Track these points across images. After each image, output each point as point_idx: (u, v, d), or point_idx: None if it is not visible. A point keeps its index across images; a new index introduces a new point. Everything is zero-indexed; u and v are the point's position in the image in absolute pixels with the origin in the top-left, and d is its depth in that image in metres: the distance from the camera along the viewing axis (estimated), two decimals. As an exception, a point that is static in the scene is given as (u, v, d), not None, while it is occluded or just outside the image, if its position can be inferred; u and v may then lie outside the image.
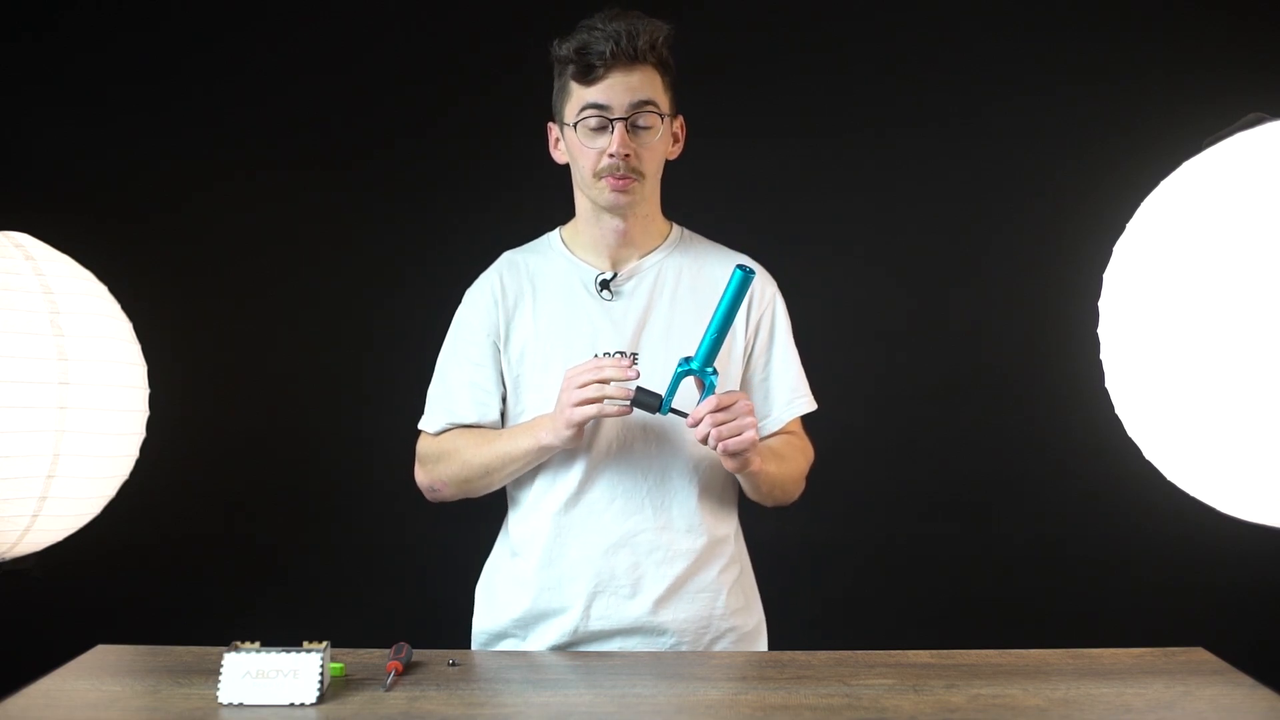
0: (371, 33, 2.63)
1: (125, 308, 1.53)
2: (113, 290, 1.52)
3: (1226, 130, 1.22)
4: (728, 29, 2.59)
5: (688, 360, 1.54)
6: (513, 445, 1.64)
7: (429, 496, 1.75)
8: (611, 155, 1.60)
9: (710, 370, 1.54)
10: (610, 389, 1.54)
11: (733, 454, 1.54)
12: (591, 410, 1.54)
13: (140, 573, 2.46)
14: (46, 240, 1.48)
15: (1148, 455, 1.26)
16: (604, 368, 1.54)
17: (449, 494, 1.72)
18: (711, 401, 1.52)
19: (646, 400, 1.55)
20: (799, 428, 1.78)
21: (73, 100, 2.54)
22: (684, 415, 1.55)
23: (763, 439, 1.71)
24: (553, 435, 1.58)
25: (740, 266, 1.51)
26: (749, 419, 1.54)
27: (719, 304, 1.52)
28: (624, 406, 1.55)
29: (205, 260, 2.60)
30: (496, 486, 1.71)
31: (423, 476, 1.74)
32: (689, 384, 1.56)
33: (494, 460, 1.65)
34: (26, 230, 1.48)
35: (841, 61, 2.63)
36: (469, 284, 1.78)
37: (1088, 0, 2.59)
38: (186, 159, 2.57)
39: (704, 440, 1.53)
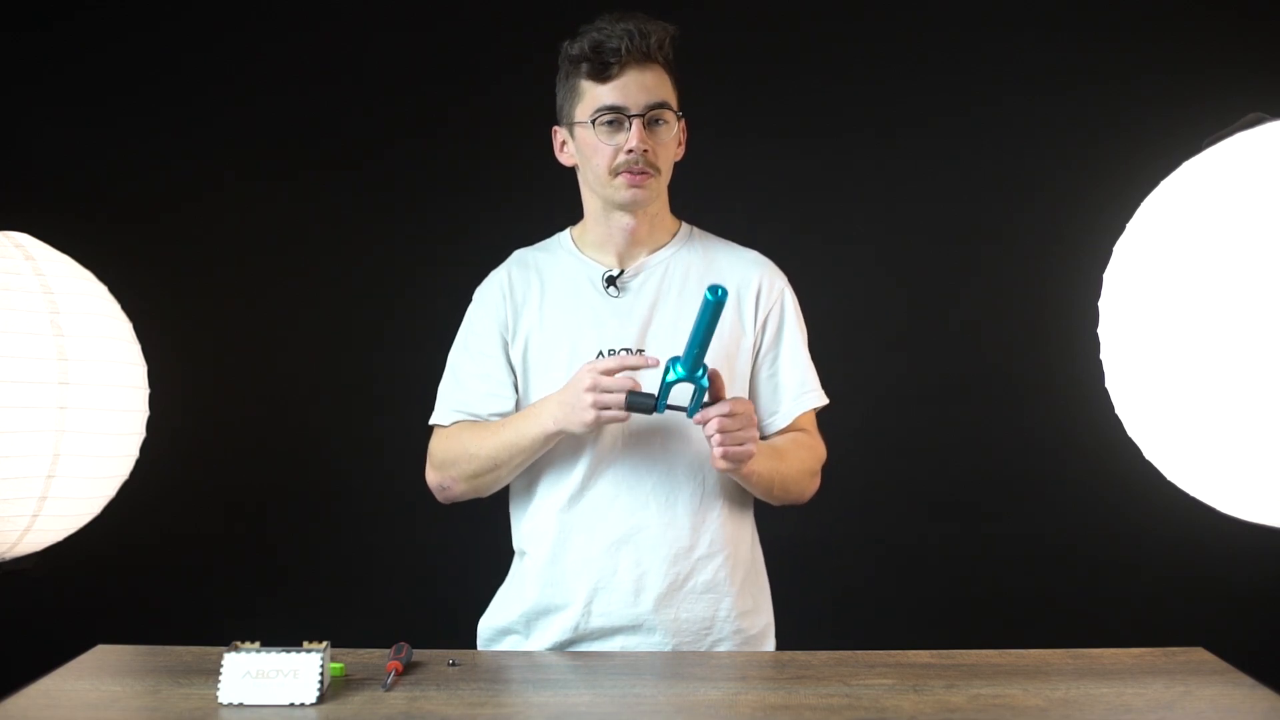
0: (379, 32, 2.62)
1: (125, 308, 1.53)
2: (113, 290, 1.52)
3: (1226, 130, 1.22)
4: (723, 29, 2.59)
5: (675, 361, 1.51)
6: (519, 434, 1.61)
7: (440, 496, 1.73)
8: (630, 151, 1.60)
9: (700, 374, 1.51)
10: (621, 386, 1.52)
11: (731, 460, 1.53)
12: (616, 414, 1.53)
13: (140, 573, 2.45)
14: (46, 240, 1.48)
15: (1148, 455, 1.26)
16: (628, 363, 1.53)
17: (459, 491, 1.69)
18: (725, 406, 1.52)
19: (641, 402, 1.52)
20: (810, 424, 1.75)
21: (73, 100, 2.54)
22: (681, 409, 1.53)
23: (771, 434, 1.71)
24: (564, 424, 1.56)
25: (710, 288, 1.42)
26: (753, 430, 1.55)
27: (695, 321, 1.46)
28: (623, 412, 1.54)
29: (206, 260, 2.60)
30: (505, 480, 1.68)
31: (433, 476, 1.72)
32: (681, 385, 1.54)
33: (501, 451, 1.63)
34: (26, 230, 1.48)
35: (840, 62, 2.63)
36: (474, 285, 1.78)
37: (1088, 0, 2.59)
38: (188, 159, 2.57)
39: (709, 437, 1.53)
